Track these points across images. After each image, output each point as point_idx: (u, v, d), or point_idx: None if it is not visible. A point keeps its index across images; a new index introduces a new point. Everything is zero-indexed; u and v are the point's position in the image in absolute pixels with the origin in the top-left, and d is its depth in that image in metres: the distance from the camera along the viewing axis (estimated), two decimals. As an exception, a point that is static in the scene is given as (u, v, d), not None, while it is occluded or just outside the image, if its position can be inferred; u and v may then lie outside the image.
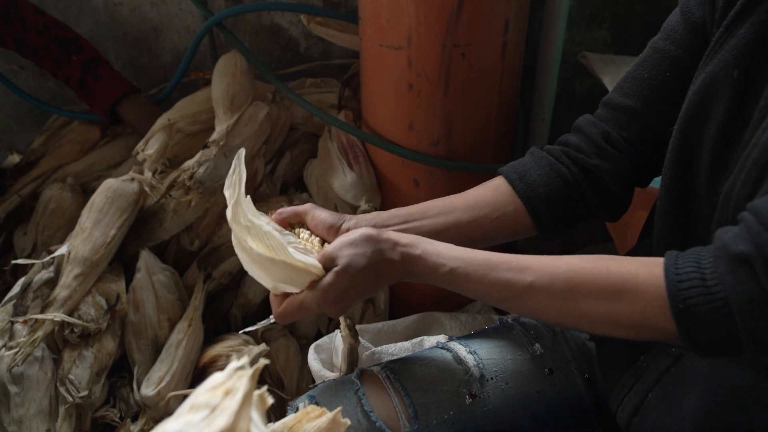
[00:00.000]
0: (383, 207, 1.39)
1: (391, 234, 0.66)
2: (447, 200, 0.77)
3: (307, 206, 0.73)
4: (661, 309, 0.53)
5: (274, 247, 0.62)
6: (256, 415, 0.35)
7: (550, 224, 0.76)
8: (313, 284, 0.64)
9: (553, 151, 0.78)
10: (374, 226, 0.70)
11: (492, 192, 0.77)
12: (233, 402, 0.33)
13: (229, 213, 0.62)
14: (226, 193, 0.62)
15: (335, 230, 0.70)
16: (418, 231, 0.72)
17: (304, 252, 0.66)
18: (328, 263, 0.65)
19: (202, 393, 0.35)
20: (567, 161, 0.76)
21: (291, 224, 0.74)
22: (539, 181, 0.75)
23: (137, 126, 1.43)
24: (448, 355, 0.78)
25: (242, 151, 0.64)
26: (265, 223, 0.63)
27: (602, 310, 0.57)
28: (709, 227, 0.58)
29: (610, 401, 0.71)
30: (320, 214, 0.71)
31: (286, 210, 0.73)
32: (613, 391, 0.70)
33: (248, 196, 0.63)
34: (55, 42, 1.38)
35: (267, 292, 1.39)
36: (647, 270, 0.55)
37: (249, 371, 0.35)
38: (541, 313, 0.61)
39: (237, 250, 0.65)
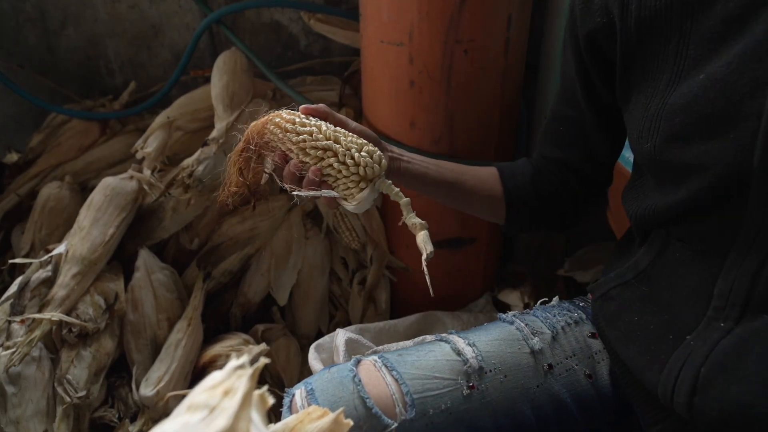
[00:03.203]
0: (384, 206, 1.38)
1: None
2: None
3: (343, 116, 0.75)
4: None
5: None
6: (256, 416, 0.34)
7: (514, 191, 0.86)
8: None
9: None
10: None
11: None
12: (233, 402, 0.32)
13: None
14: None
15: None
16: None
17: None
18: None
19: (200, 392, 0.33)
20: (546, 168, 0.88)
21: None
22: (518, 166, 0.89)
23: None
24: (446, 347, 0.78)
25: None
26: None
27: None
28: None
29: (659, 392, 0.66)
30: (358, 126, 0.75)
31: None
32: (660, 379, 0.65)
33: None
34: None
35: (267, 291, 1.39)
36: None
37: (249, 370, 0.34)
38: None
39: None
